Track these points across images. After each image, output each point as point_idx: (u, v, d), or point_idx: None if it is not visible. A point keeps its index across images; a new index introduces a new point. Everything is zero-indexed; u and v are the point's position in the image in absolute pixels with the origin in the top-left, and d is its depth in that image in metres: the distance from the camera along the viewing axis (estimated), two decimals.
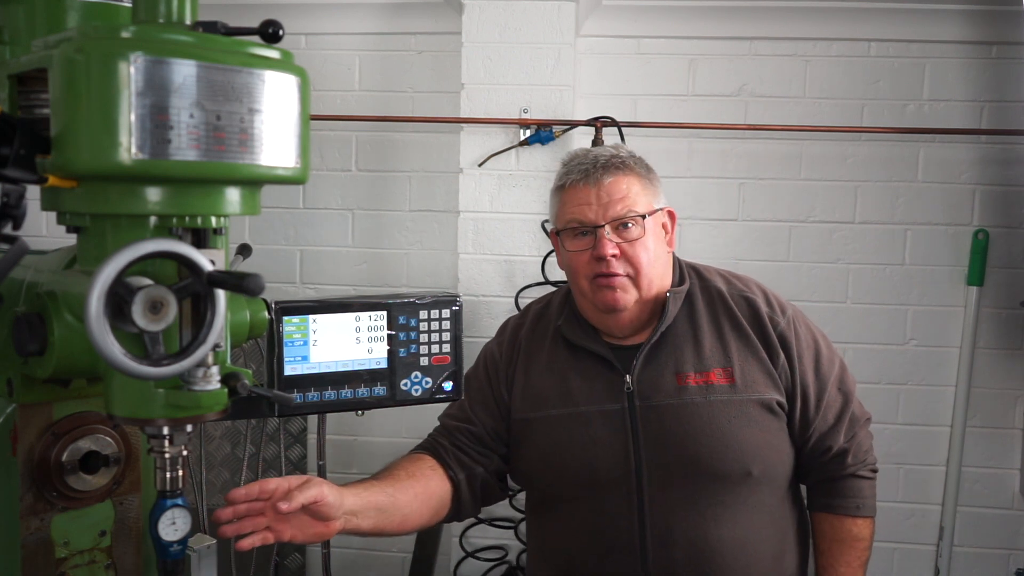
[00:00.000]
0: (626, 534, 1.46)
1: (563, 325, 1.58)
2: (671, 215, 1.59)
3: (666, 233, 1.57)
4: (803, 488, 1.65)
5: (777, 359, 1.51)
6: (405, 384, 2.02)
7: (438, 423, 1.69)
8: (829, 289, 2.49)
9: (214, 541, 1.11)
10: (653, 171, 1.58)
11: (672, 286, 1.56)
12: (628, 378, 1.50)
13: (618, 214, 1.48)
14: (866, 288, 2.49)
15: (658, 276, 1.53)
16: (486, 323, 2.38)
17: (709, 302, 1.56)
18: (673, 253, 1.60)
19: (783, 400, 1.51)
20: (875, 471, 1.60)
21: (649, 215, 1.50)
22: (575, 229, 1.52)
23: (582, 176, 1.51)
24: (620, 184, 1.50)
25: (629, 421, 1.48)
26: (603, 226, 1.48)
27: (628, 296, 1.50)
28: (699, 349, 1.51)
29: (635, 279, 1.49)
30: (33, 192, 0.86)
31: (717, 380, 1.48)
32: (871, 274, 2.49)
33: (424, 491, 1.50)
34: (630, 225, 1.49)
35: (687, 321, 1.54)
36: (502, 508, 2.36)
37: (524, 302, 2.30)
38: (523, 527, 2.38)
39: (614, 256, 1.47)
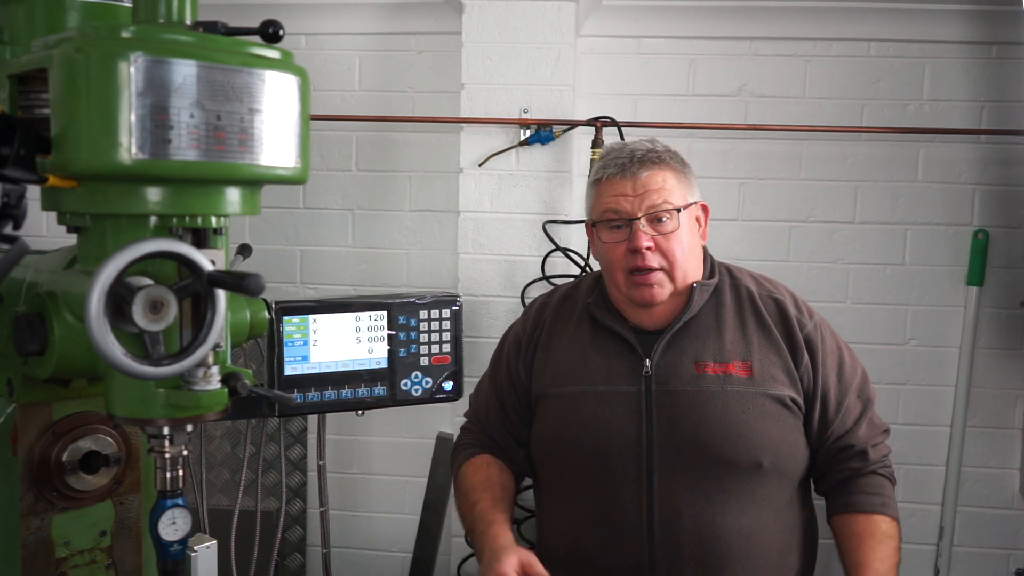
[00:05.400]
0: (634, 516, 1.48)
1: (592, 304, 1.60)
2: (704, 208, 1.62)
3: (699, 226, 1.61)
4: (823, 499, 1.63)
5: (800, 359, 1.53)
6: (405, 384, 2.02)
7: (470, 414, 1.73)
8: (829, 289, 2.49)
9: (214, 541, 1.11)
10: (688, 165, 1.61)
11: (702, 279, 1.59)
12: (647, 362, 1.52)
13: (654, 206, 1.51)
14: (866, 288, 2.49)
15: (692, 268, 1.56)
16: (486, 323, 2.38)
17: (736, 299, 1.59)
18: (706, 249, 1.62)
19: (799, 399, 1.52)
20: (894, 481, 1.60)
21: (684, 208, 1.52)
22: (611, 221, 1.55)
23: (619, 170, 1.54)
24: (656, 177, 1.53)
25: (644, 404, 1.50)
26: (639, 218, 1.50)
27: (664, 291, 1.53)
28: (721, 341, 1.53)
29: (670, 272, 1.52)
30: (33, 192, 0.86)
31: (735, 371, 1.51)
32: (871, 274, 2.49)
33: (512, 498, 1.63)
34: (665, 218, 1.51)
35: (712, 313, 1.57)
36: None
37: (528, 301, 2.31)
38: (527, 525, 2.38)
39: (649, 249, 1.49)
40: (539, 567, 1.36)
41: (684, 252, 1.52)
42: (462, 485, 1.64)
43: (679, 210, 1.52)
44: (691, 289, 1.56)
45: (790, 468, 1.52)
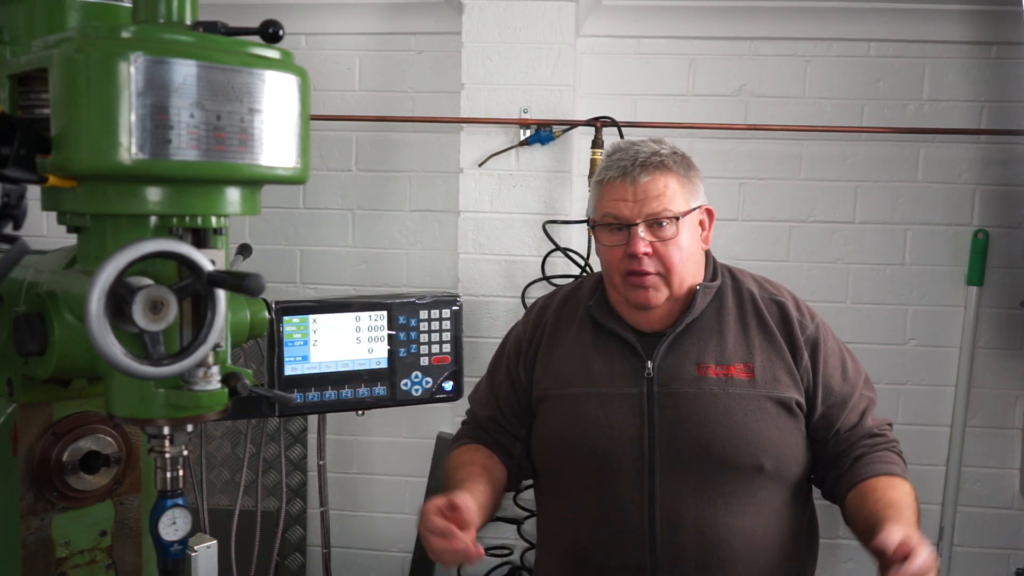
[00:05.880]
0: (635, 517, 1.48)
1: (593, 306, 1.60)
2: (709, 213, 1.61)
3: (703, 230, 1.60)
4: (824, 509, 1.63)
5: (801, 361, 1.53)
6: (405, 384, 2.02)
7: (468, 412, 1.73)
8: (829, 289, 2.49)
9: (214, 541, 1.11)
10: (695, 169, 1.59)
11: (704, 281, 1.58)
12: (649, 364, 1.52)
13: (653, 212, 1.50)
14: (866, 288, 2.49)
15: (690, 274, 1.55)
16: (486, 323, 2.38)
17: (739, 301, 1.59)
18: (709, 251, 1.62)
19: (802, 400, 1.52)
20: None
21: (683, 216, 1.51)
22: (610, 224, 1.54)
23: (620, 173, 1.53)
24: (657, 183, 1.51)
25: (646, 406, 1.50)
26: (637, 224, 1.49)
27: (660, 295, 1.52)
28: (723, 343, 1.53)
29: (666, 278, 1.51)
30: (33, 192, 0.86)
31: (737, 374, 1.50)
32: (871, 274, 2.49)
33: (497, 482, 1.58)
34: (664, 224, 1.50)
35: (714, 315, 1.56)
36: (508, 507, 2.36)
37: (528, 301, 2.31)
38: (527, 526, 2.38)
39: (646, 254, 1.49)
40: (469, 509, 1.33)
41: (682, 258, 1.52)
42: (444, 468, 1.64)
43: (678, 218, 1.51)
44: (693, 291, 1.56)
45: (791, 470, 1.52)
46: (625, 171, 1.52)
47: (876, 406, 1.60)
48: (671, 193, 1.51)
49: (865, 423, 1.55)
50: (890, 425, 1.62)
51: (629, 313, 1.57)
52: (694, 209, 1.55)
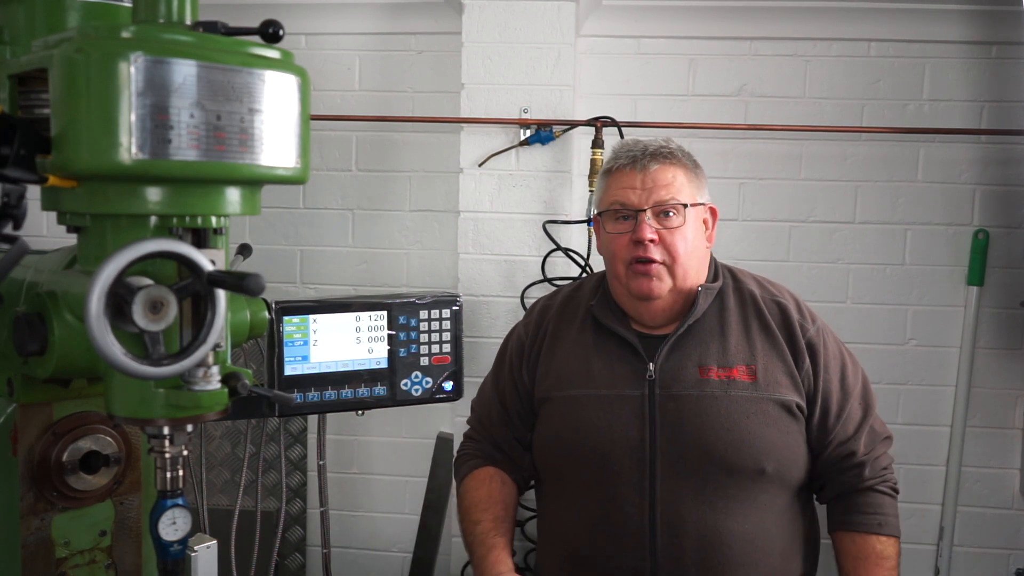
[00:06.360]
0: (636, 519, 1.48)
1: (596, 306, 1.60)
2: (713, 212, 1.62)
3: (706, 229, 1.60)
4: (824, 508, 1.64)
5: (802, 364, 1.53)
6: (405, 384, 2.02)
7: (472, 420, 1.73)
8: (829, 289, 2.49)
9: (214, 541, 1.11)
10: (700, 167, 1.62)
11: (706, 282, 1.58)
12: (651, 366, 1.52)
13: (661, 200, 1.51)
14: (866, 288, 2.49)
15: (694, 268, 1.55)
16: (486, 323, 2.38)
17: (740, 302, 1.59)
18: (711, 252, 1.62)
19: (802, 403, 1.52)
20: (896, 491, 1.59)
21: (691, 206, 1.52)
22: (617, 212, 1.55)
23: (630, 161, 1.55)
24: (666, 172, 1.53)
25: (648, 408, 1.50)
26: (645, 211, 1.50)
27: (663, 284, 1.52)
28: (725, 345, 1.53)
29: (671, 267, 1.52)
30: (33, 192, 0.86)
31: (739, 376, 1.50)
32: (871, 274, 2.49)
33: (514, 512, 1.63)
34: (671, 213, 1.51)
35: (716, 317, 1.56)
36: None
37: (528, 302, 2.31)
38: (529, 527, 2.38)
39: (652, 241, 1.50)
40: None
41: (687, 250, 1.52)
42: (464, 500, 1.64)
43: (686, 207, 1.51)
44: (695, 292, 1.55)
45: (793, 474, 1.52)
46: (635, 159, 1.54)
47: (875, 412, 1.60)
48: (679, 184, 1.53)
49: (858, 440, 1.55)
50: (888, 439, 1.61)
51: (631, 306, 1.57)
52: (700, 204, 1.55)
